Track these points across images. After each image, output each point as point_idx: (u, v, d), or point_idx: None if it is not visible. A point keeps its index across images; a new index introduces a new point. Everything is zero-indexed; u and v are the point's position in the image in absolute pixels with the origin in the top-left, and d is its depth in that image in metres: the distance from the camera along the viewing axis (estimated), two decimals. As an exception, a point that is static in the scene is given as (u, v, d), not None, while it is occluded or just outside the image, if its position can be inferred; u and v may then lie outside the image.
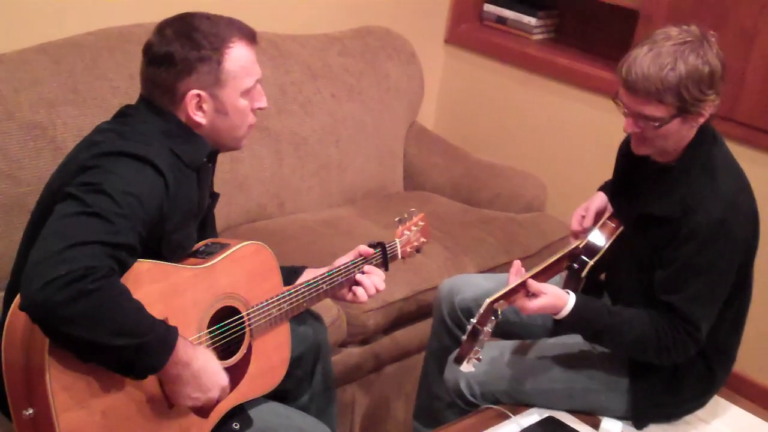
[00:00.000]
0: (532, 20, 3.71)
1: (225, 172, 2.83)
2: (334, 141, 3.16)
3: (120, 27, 2.68)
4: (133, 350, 1.59)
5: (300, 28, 3.26)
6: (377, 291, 2.15)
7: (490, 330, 2.01)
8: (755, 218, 2.13)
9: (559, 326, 2.15)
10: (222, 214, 2.82)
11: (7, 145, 2.35)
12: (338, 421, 2.53)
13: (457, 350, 2.05)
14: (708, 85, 1.97)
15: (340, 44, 3.28)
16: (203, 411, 1.84)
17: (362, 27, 3.42)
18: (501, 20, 3.79)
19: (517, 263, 2.18)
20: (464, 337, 2.02)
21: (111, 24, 2.70)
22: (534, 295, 2.08)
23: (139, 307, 1.61)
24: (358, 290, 2.14)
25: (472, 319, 2.03)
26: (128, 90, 2.54)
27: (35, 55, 2.51)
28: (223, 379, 1.78)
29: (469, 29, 3.84)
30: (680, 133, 2.04)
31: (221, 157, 2.77)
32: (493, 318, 2.01)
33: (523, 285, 2.09)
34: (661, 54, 1.95)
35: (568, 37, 3.76)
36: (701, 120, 2.03)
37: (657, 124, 1.99)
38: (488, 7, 3.82)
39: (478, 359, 2.03)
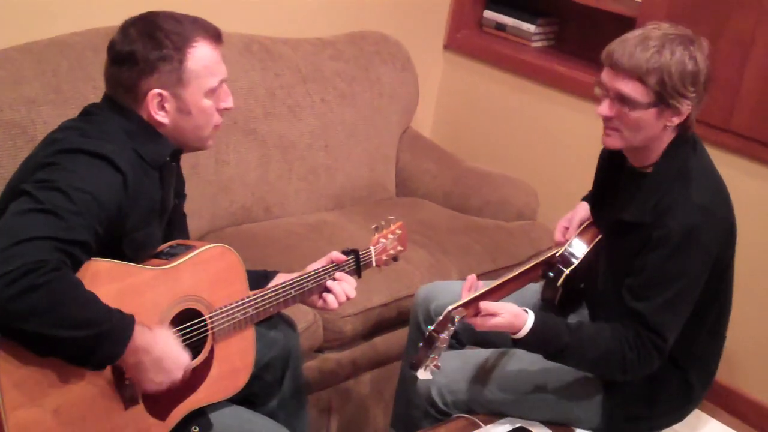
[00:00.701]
0: (531, 27, 3.68)
1: (210, 174, 2.83)
2: (323, 145, 3.14)
3: (106, 28, 2.67)
4: (89, 341, 1.59)
5: (296, 32, 3.25)
6: (348, 298, 2.13)
7: (446, 337, 1.98)
8: (730, 227, 2.09)
9: (518, 346, 2.08)
10: (206, 216, 2.82)
11: (-14, 143, 2.35)
12: (313, 428, 2.52)
13: (414, 356, 2.02)
14: (691, 82, 1.95)
15: (333, 48, 3.27)
16: (161, 412, 1.83)
17: (357, 32, 3.41)
18: (500, 27, 3.77)
19: (471, 277, 2.15)
20: (420, 344, 2.00)
21: (98, 24, 2.70)
22: (489, 314, 2.03)
23: (92, 298, 1.61)
24: (329, 297, 2.11)
25: (429, 326, 2.00)
26: (111, 91, 2.54)
27: (19, 54, 2.51)
28: (185, 358, 1.78)
29: (469, 35, 3.82)
30: (653, 128, 2.01)
31: (206, 160, 2.81)
32: (450, 326, 1.98)
33: (486, 295, 2.06)
34: (650, 38, 1.96)
35: (567, 45, 3.73)
36: (676, 120, 2.00)
37: (633, 107, 1.97)
38: (488, 14, 3.80)
39: (437, 366, 1.99)
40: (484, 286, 2.12)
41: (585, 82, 3.35)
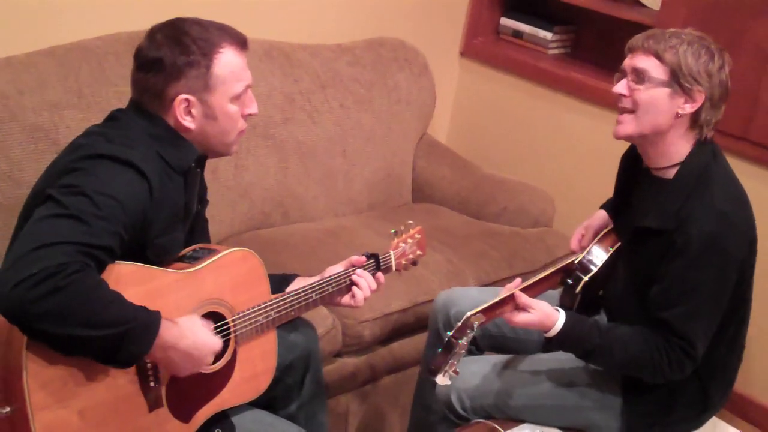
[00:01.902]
0: (548, 35, 3.69)
1: (229, 179, 2.85)
2: (341, 151, 3.16)
3: (129, 32, 2.70)
4: (116, 339, 1.59)
5: (316, 38, 3.27)
6: (371, 291, 2.15)
7: (465, 343, 1.99)
8: (752, 235, 2.10)
9: (549, 344, 2.12)
10: (225, 221, 2.84)
11: (10, 146, 2.37)
12: (331, 431, 2.52)
13: (432, 362, 2.03)
14: (707, 72, 2.00)
15: (352, 54, 3.29)
16: (185, 414, 1.84)
17: (375, 38, 3.42)
18: (517, 34, 3.78)
19: (516, 281, 2.17)
20: (439, 350, 2.01)
21: (121, 29, 2.72)
22: (523, 309, 2.06)
23: (117, 297, 1.61)
24: (357, 292, 2.13)
25: (448, 332, 2.01)
26: (133, 95, 2.56)
27: (42, 58, 2.53)
28: (215, 343, 1.80)
29: (485, 42, 3.83)
30: (665, 112, 2.03)
31: (225, 165, 2.82)
32: (469, 332, 1.99)
33: (509, 300, 2.07)
34: (675, 31, 2.04)
35: (584, 53, 3.73)
36: (689, 108, 2.02)
37: (647, 82, 2.01)
38: (505, 21, 3.81)
39: (456, 372, 2.00)
40: (505, 291, 2.13)
41: (601, 90, 3.36)
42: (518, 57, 3.71)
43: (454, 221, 3.21)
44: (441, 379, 2.01)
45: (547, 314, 2.07)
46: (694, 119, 2.04)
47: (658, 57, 2.01)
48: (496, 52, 3.78)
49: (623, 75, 2.08)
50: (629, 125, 2.08)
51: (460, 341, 1.99)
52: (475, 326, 2.00)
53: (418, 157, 3.47)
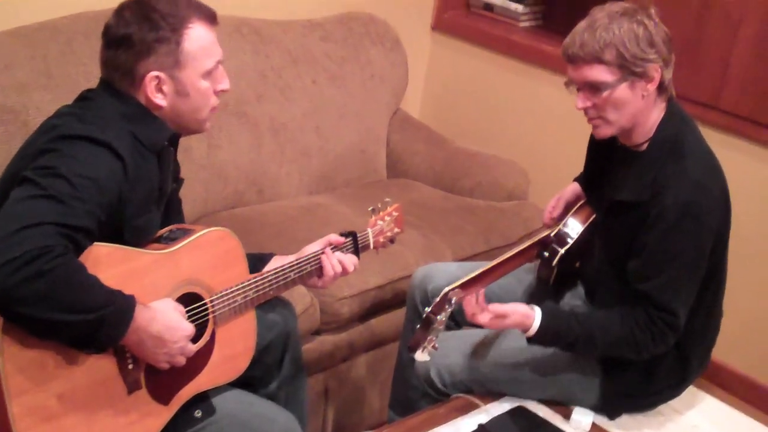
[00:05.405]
0: (519, 7, 3.67)
1: (203, 158, 2.82)
2: (314, 127, 3.14)
3: (96, 11, 2.65)
4: (92, 324, 1.59)
5: (285, 14, 3.23)
6: (345, 271, 2.13)
7: (443, 319, 1.99)
8: (726, 202, 2.11)
9: (531, 343, 2.11)
10: (199, 200, 2.81)
11: (-22, 129, 2.33)
12: (311, 410, 2.52)
13: (411, 338, 2.03)
14: (648, 43, 1.97)
15: (323, 30, 3.26)
16: (164, 396, 1.83)
17: (346, 13, 3.40)
18: (488, 7, 3.76)
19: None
20: (418, 326, 2.00)
21: (87, 8, 2.67)
22: (499, 317, 2.05)
23: (96, 282, 1.61)
24: (326, 276, 2.11)
25: (426, 308, 2.01)
26: (102, 75, 2.52)
27: (9, 38, 2.49)
28: (186, 327, 1.78)
29: (456, 16, 3.81)
30: (633, 103, 2.02)
31: (198, 144, 2.80)
32: (447, 307, 1.99)
33: (487, 274, 2.07)
34: (596, 20, 1.99)
35: (555, 25, 3.72)
36: (651, 87, 2.01)
37: (604, 90, 1.98)
38: (476, -6, 3.80)
39: (435, 348, 2.01)
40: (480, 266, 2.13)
41: (574, 62, 3.35)
42: (490, 30, 3.69)
43: (429, 196, 3.21)
44: (420, 356, 2.01)
45: (524, 314, 2.06)
46: (660, 88, 2.04)
47: (601, 61, 1.97)
48: (467, 25, 3.76)
49: (576, 86, 2.05)
50: (606, 128, 2.07)
51: (438, 317, 1.99)
52: (452, 302, 2.00)
53: (391, 132, 3.46)
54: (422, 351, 2.00)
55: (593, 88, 2.01)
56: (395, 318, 2.72)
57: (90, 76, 2.53)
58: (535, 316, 2.06)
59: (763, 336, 3.06)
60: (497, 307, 2.05)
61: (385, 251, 2.39)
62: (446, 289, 2.02)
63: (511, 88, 3.66)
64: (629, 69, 1.97)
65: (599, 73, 1.98)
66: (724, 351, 2.62)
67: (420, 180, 3.37)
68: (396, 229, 2.32)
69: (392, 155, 3.45)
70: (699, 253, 2.04)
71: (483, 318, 2.04)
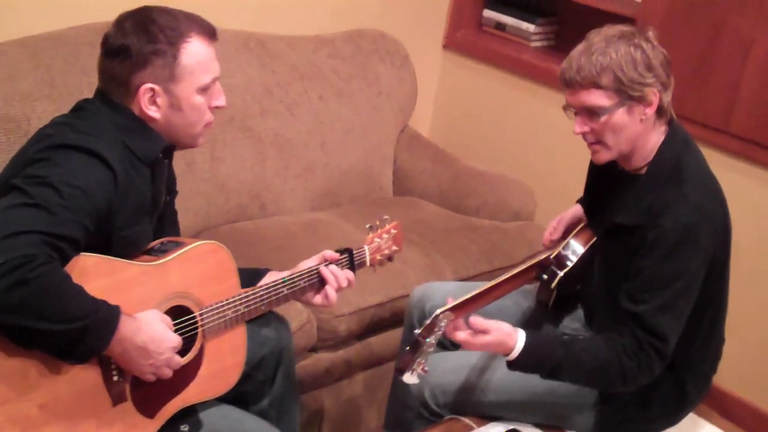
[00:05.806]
0: (531, 27, 3.66)
1: (206, 171, 2.81)
2: (319, 143, 3.13)
3: (103, 23, 2.65)
4: (75, 333, 1.58)
5: (295, 29, 3.23)
6: (340, 287, 2.11)
7: (433, 342, 1.95)
8: (725, 227, 2.07)
9: (512, 368, 2.03)
10: (201, 214, 2.81)
11: (-21, 137, 2.34)
12: (305, 428, 2.50)
13: (400, 360, 2.00)
14: (645, 67, 1.95)
15: (331, 46, 3.25)
16: (150, 409, 1.81)
17: (355, 29, 3.39)
18: (500, 26, 3.75)
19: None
20: (407, 348, 1.97)
21: (94, 20, 2.68)
22: (481, 331, 2.00)
23: (79, 292, 1.60)
24: (329, 290, 2.09)
25: (415, 330, 1.98)
26: (105, 86, 2.52)
27: (13, 48, 2.50)
28: (172, 339, 1.76)
29: (468, 35, 3.80)
30: (632, 127, 2.00)
31: (202, 157, 2.79)
32: (437, 330, 1.95)
33: (480, 297, 2.03)
34: (592, 44, 1.96)
35: (566, 45, 3.64)
36: (649, 111, 1.99)
37: (602, 114, 1.96)
38: (487, 13, 3.79)
39: (424, 371, 1.96)
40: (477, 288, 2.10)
41: (584, 83, 3.33)
42: (501, 49, 3.68)
43: (433, 215, 3.19)
44: (409, 378, 1.97)
45: (507, 333, 2.00)
46: (659, 111, 2.02)
47: (597, 86, 1.95)
48: (478, 44, 3.75)
49: (574, 110, 2.03)
50: (605, 153, 2.05)
51: (427, 340, 1.95)
52: (443, 325, 1.97)
53: (399, 149, 3.44)
54: (411, 373, 1.96)
55: (591, 112, 1.99)
56: (393, 337, 2.70)
57: (93, 87, 2.48)
58: (518, 337, 2.00)
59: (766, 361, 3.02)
60: (479, 322, 1.99)
61: (385, 269, 2.37)
62: (437, 311, 1.98)
63: (520, 108, 3.65)
64: (627, 93, 1.95)
65: (596, 98, 1.96)
66: (727, 377, 2.58)
67: (426, 198, 3.35)
68: (394, 247, 2.30)
69: (399, 173, 3.43)
70: (693, 277, 2.01)
71: (460, 335, 2.00)
